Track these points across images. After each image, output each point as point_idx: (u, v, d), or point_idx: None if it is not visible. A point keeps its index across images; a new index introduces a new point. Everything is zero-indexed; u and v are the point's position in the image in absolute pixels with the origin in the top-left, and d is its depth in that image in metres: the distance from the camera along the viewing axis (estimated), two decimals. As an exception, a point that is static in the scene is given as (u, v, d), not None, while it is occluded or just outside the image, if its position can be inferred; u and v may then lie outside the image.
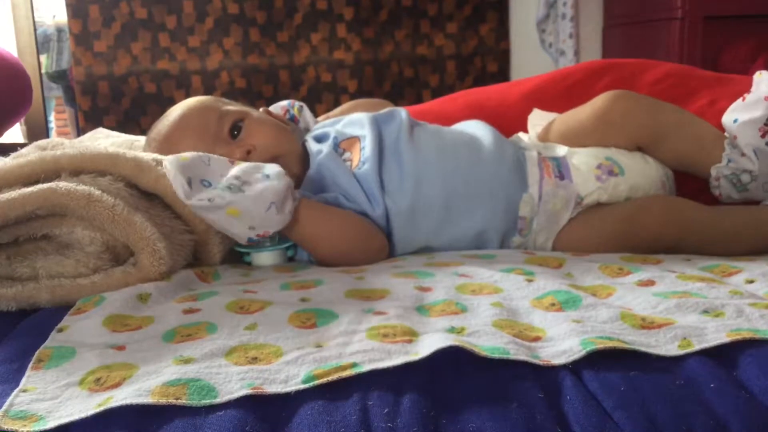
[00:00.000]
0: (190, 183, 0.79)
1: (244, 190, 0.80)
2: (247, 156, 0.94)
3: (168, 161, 0.80)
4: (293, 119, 1.12)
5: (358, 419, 0.50)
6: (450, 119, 1.13)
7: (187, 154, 0.82)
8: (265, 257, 0.89)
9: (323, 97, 2.55)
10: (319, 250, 0.88)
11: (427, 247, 0.94)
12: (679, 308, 0.65)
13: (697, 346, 0.57)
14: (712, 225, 0.91)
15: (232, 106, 0.99)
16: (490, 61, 2.65)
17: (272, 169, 0.84)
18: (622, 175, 0.95)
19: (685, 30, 2.21)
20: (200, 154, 0.83)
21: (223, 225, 0.81)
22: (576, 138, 1.01)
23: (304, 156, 1.00)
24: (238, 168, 0.83)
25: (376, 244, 0.90)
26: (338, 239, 0.88)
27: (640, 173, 0.96)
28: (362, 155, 0.96)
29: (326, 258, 0.88)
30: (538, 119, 1.10)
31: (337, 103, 2.47)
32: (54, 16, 3.58)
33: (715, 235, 0.90)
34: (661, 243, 0.89)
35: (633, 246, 0.89)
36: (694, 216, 0.91)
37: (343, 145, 1.00)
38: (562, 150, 0.99)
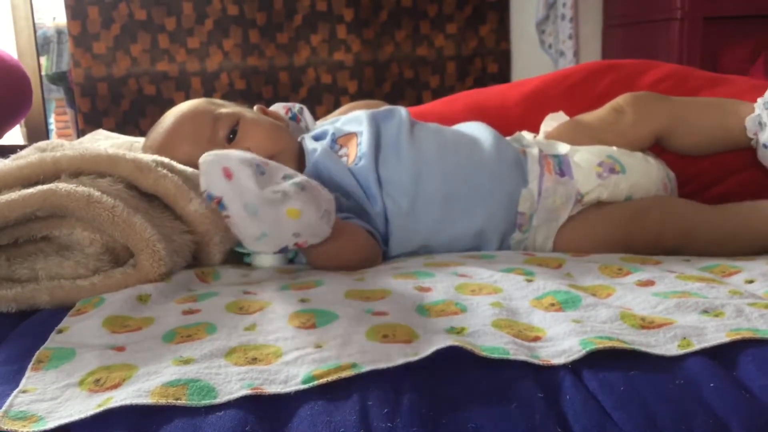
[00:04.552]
0: (258, 172, 0.70)
1: (307, 190, 0.73)
2: None
3: (228, 158, 0.69)
4: (295, 119, 1.12)
5: (357, 419, 0.50)
6: (450, 120, 1.13)
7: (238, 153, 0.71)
8: (266, 259, 0.88)
9: (323, 99, 2.55)
10: (320, 263, 0.85)
11: (426, 246, 0.94)
12: (679, 308, 0.65)
13: (696, 346, 0.57)
14: (712, 225, 0.91)
15: (225, 109, 0.99)
16: (490, 62, 2.65)
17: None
18: (623, 173, 0.95)
19: (684, 31, 2.22)
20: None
21: (268, 227, 0.71)
22: (593, 132, 1.03)
23: (301, 154, 1.00)
24: (296, 174, 0.75)
25: (372, 257, 0.88)
26: (345, 258, 0.84)
27: (642, 173, 0.97)
28: (359, 151, 0.95)
29: (325, 268, 0.85)
30: (551, 121, 1.10)
31: (337, 104, 2.47)
32: (54, 18, 3.58)
33: (716, 235, 0.90)
34: (661, 244, 0.89)
35: (633, 247, 0.89)
36: (694, 217, 0.91)
37: (340, 141, 1.00)
38: (563, 148, 1.00)
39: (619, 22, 2.57)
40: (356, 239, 0.86)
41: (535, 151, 0.98)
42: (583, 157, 0.97)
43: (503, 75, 2.65)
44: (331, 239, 0.78)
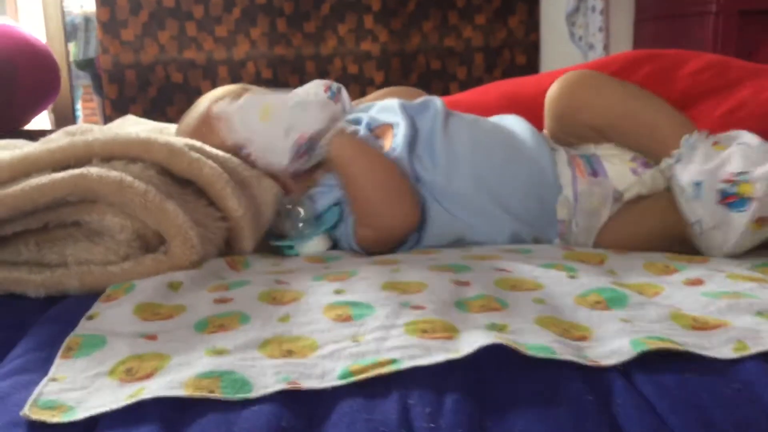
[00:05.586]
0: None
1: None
2: None
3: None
4: (333, 97, 1.10)
5: (398, 418, 0.48)
6: (484, 110, 1.10)
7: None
8: (310, 245, 0.88)
9: (350, 89, 2.52)
10: (353, 187, 0.89)
11: (462, 239, 0.91)
12: (731, 309, 0.62)
13: (752, 349, 0.55)
14: None
15: None
16: (518, 54, 2.61)
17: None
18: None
19: (719, 25, 2.16)
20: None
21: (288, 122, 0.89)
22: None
23: None
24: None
25: (408, 200, 0.88)
26: (373, 180, 0.88)
27: None
28: (394, 143, 0.93)
29: (359, 198, 0.89)
30: None
31: (363, 95, 2.44)
32: (81, 6, 3.60)
33: None
34: None
35: (675, 238, 0.85)
36: None
37: (375, 132, 0.97)
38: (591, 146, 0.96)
39: (651, 15, 2.51)
40: (388, 165, 0.89)
41: (562, 153, 0.94)
42: (614, 152, 0.93)
43: (532, 67, 2.61)
44: (354, 156, 0.89)
